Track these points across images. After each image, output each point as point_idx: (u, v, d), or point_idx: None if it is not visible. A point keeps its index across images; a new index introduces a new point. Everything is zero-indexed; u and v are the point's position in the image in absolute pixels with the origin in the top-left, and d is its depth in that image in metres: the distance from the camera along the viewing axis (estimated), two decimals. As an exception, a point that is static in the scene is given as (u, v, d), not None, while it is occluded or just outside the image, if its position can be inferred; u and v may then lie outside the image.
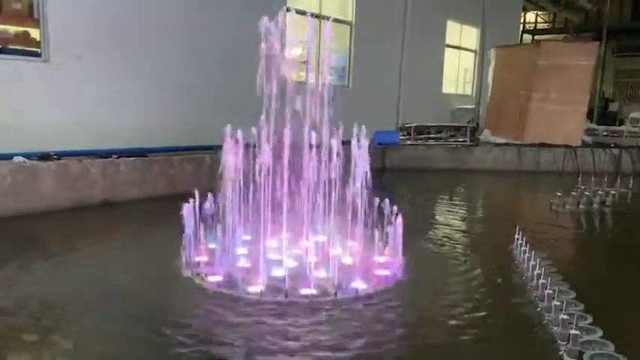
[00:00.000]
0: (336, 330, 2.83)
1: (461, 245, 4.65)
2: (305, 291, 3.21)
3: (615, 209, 6.34)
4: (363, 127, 3.64)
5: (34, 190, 5.12)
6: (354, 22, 10.61)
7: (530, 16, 24.82)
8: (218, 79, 7.70)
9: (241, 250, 3.82)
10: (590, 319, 2.82)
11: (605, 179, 7.03)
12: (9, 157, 5.23)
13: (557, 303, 2.84)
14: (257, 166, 3.63)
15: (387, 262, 3.73)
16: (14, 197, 4.98)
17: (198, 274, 3.48)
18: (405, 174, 8.94)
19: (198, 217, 3.68)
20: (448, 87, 14.33)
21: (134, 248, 4.39)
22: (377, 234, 3.72)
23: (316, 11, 9.67)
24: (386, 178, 8.66)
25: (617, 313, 3.16)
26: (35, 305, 3.07)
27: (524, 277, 3.61)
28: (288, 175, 3.73)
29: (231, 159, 3.63)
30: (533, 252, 3.73)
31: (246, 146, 3.72)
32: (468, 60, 15.14)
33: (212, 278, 3.41)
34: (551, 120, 9.93)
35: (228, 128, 3.56)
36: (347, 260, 3.73)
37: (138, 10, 6.80)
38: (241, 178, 3.75)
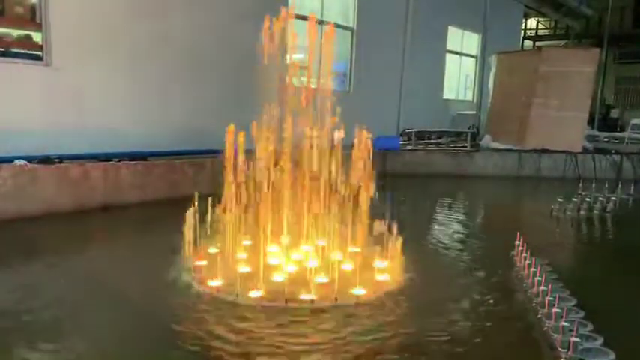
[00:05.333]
0: (336, 334, 2.82)
1: (461, 251, 4.65)
2: (305, 296, 3.21)
3: (616, 215, 6.33)
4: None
5: (34, 194, 5.12)
6: (355, 28, 10.64)
7: (532, 23, 24.90)
8: (220, 83, 7.72)
9: (241, 255, 3.82)
10: (590, 326, 2.81)
11: (606, 185, 7.03)
12: (10, 160, 5.25)
13: (558, 310, 2.84)
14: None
15: (387, 266, 3.72)
16: (15, 201, 4.98)
17: (198, 279, 3.48)
18: (406, 179, 8.93)
19: (198, 221, 3.68)
20: (449, 93, 14.35)
21: (134, 252, 4.38)
22: (377, 239, 3.72)
23: (317, 17, 9.68)
24: (387, 184, 8.65)
25: (617, 320, 3.15)
26: (28, 308, 3.06)
27: (524, 284, 3.61)
28: (288, 178, 3.74)
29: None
30: (533, 258, 3.72)
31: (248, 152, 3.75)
32: (469, 66, 15.17)
33: (212, 283, 3.40)
34: (552, 126, 9.94)
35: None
36: (347, 265, 3.73)
37: (140, 15, 6.82)
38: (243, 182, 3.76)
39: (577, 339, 2.54)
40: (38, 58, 6.02)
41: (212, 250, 3.82)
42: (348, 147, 3.87)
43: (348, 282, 3.39)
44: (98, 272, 3.82)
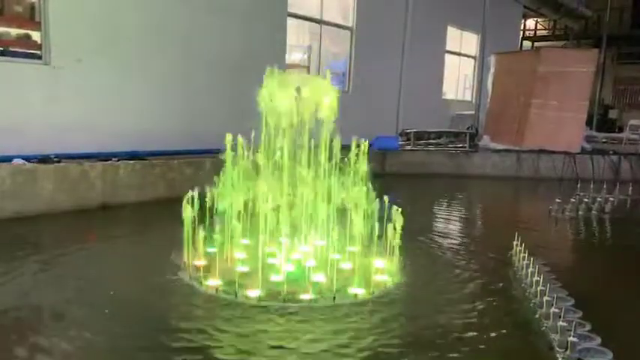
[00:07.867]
0: (336, 334, 2.83)
1: (459, 251, 4.65)
2: (303, 295, 3.21)
3: (614, 216, 6.34)
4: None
5: (33, 193, 5.12)
6: (354, 28, 10.64)
7: (530, 23, 24.92)
8: (219, 83, 7.72)
9: (240, 254, 3.81)
10: (588, 326, 2.81)
11: (604, 186, 7.04)
12: (9, 159, 5.24)
13: (556, 310, 2.84)
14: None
15: (386, 266, 3.72)
16: (14, 200, 4.97)
17: (196, 279, 3.48)
18: (405, 179, 8.94)
19: (197, 221, 3.68)
20: (448, 93, 14.36)
21: (132, 252, 4.38)
22: (376, 238, 3.72)
23: (317, 17, 9.71)
24: (385, 183, 8.65)
25: (615, 320, 3.16)
26: (26, 309, 3.06)
27: (522, 284, 3.61)
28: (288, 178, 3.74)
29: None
30: (532, 258, 3.73)
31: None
32: (468, 66, 15.18)
33: (210, 282, 3.40)
34: (550, 126, 9.95)
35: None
36: (345, 264, 3.73)
37: (139, 14, 6.82)
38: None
39: (575, 339, 2.55)
40: (37, 57, 6.02)
41: (211, 249, 3.82)
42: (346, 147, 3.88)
43: (346, 281, 3.40)
44: (96, 271, 3.81)
